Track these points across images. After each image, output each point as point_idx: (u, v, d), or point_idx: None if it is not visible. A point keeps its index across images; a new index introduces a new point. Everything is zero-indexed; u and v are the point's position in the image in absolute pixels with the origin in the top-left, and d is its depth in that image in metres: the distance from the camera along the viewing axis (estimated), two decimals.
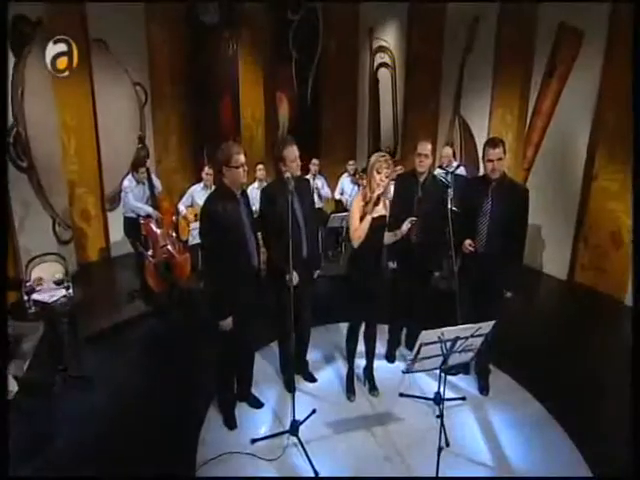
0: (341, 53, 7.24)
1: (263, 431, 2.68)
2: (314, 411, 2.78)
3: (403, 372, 2.09)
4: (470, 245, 2.80)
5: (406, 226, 2.60)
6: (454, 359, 2.02)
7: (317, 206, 5.73)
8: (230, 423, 2.71)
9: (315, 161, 5.74)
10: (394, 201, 3.09)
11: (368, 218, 2.54)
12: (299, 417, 2.65)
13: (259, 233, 2.68)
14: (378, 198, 2.53)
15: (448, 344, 1.90)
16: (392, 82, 7.22)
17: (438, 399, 2.73)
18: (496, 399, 2.99)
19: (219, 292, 2.41)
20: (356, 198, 2.68)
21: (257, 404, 2.90)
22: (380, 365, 3.27)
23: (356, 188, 5.76)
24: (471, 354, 2.06)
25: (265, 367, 3.31)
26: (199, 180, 4.95)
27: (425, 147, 2.96)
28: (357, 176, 5.75)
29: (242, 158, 2.36)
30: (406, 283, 3.15)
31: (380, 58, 7.25)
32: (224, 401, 2.79)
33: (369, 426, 2.71)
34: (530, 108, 5.52)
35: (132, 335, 3.99)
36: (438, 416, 2.23)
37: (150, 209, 4.34)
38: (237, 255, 2.41)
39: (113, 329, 4.04)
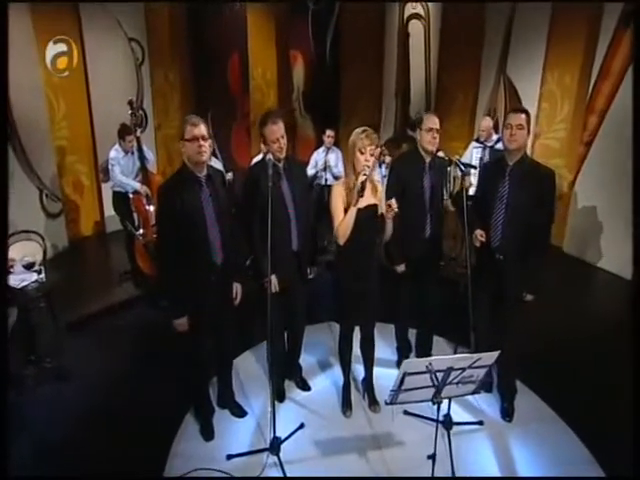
0: (365, 3, 6.75)
1: (244, 445, 2.55)
2: (302, 426, 2.64)
3: (386, 403, 1.88)
4: (481, 236, 2.54)
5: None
6: (450, 392, 1.83)
7: (331, 183, 5.45)
8: (206, 433, 2.61)
9: (329, 132, 5.35)
10: (393, 189, 2.77)
11: (353, 210, 2.27)
12: (287, 430, 2.55)
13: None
14: (364, 184, 2.22)
15: (440, 375, 1.72)
16: (425, 37, 6.74)
17: (447, 422, 2.48)
18: (522, 427, 2.67)
19: (170, 288, 2.28)
20: (337, 185, 2.40)
21: (239, 413, 2.77)
22: (391, 374, 3.03)
23: (377, 168, 5.35)
24: (472, 386, 1.86)
25: (254, 369, 3.16)
26: None
27: (435, 120, 2.69)
28: (379, 150, 5.31)
29: (198, 130, 2.11)
30: (411, 281, 2.91)
31: (412, 8, 6.76)
32: (199, 409, 2.68)
33: (364, 448, 2.53)
34: (596, 68, 4.86)
35: (118, 323, 3.93)
36: (429, 457, 1.99)
37: (137, 185, 4.17)
38: (193, 250, 2.23)
39: (99, 315, 3.99)
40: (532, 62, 5.49)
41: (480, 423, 2.68)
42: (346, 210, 2.32)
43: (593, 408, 2.79)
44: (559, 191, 5.32)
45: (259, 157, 4.93)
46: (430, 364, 1.68)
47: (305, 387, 2.99)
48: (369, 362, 2.77)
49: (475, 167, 4.64)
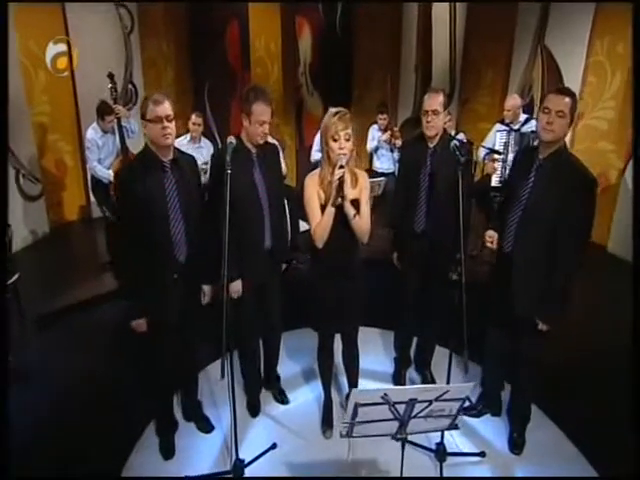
0: None
1: (207, 464, 2.45)
2: (274, 446, 2.49)
3: (341, 436, 1.76)
4: (490, 237, 2.33)
5: None
6: (417, 426, 1.69)
7: None
8: (165, 451, 2.51)
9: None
10: (400, 178, 2.74)
11: (331, 211, 2.09)
12: (257, 450, 2.42)
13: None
14: (342, 181, 2.02)
15: (401, 407, 1.59)
16: (450, 3, 6.41)
17: (440, 452, 2.29)
18: (533, 462, 2.43)
19: (128, 285, 2.23)
20: (310, 177, 2.21)
21: (206, 428, 2.67)
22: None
23: (388, 153, 5.12)
24: (446, 421, 1.70)
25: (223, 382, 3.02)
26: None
27: (434, 100, 2.47)
28: (390, 133, 5.06)
29: (162, 109, 2.02)
30: (412, 282, 2.76)
31: None
32: (160, 423, 2.58)
33: (343, 475, 2.37)
34: None
35: (93, 318, 3.86)
36: None
37: (111, 176, 4.09)
38: (154, 245, 2.15)
39: (73, 309, 3.92)
40: (576, 29, 5.13)
41: (481, 455, 2.45)
42: (322, 207, 2.14)
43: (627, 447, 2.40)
44: (606, 181, 4.99)
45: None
46: (386, 395, 1.54)
47: (283, 400, 2.85)
48: (353, 375, 2.62)
49: (500, 152, 4.38)
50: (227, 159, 2.05)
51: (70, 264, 4.87)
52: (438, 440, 2.32)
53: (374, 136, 5.29)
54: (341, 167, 2.00)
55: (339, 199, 2.04)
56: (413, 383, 3.01)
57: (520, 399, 2.55)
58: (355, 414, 1.58)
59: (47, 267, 4.73)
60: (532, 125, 4.39)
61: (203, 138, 4.72)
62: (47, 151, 5.39)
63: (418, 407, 1.60)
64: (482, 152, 4.54)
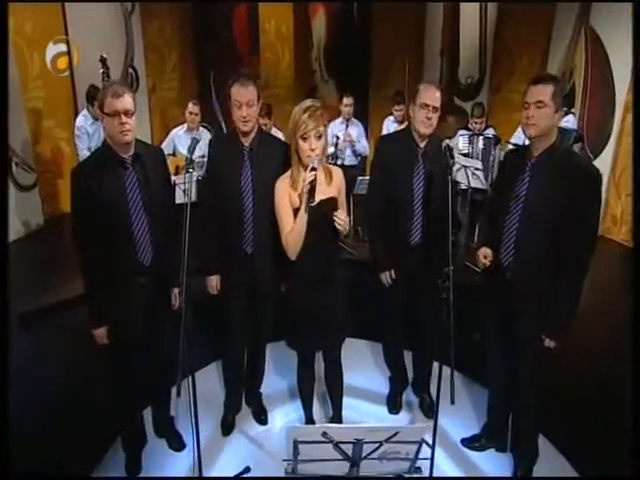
0: None
1: None
2: (247, 469, 2.43)
3: (286, 473, 1.68)
4: (485, 257, 2.17)
5: None
6: (372, 468, 1.62)
7: (352, 164, 5.13)
8: (131, 468, 2.46)
9: (347, 101, 5.05)
10: (379, 182, 2.53)
11: (303, 217, 2.00)
12: (228, 473, 2.40)
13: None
14: (313, 185, 1.93)
15: (348, 447, 1.54)
16: None
17: None
18: None
19: (89, 291, 2.18)
20: (282, 180, 2.12)
21: (177, 445, 2.60)
22: (380, 413, 2.80)
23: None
24: (405, 464, 1.63)
25: (209, 389, 2.94)
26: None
27: (434, 94, 2.32)
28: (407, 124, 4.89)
29: (121, 103, 1.95)
30: (400, 292, 2.63)
31: None
32: (125, 438, 2.51)
33: None
34: None
35: (79, 316, 3.85)
36: None
37: None
38: (115, 247, 2.12)
39: (60, 307, 3.95)
40: (627, 6, 4.78)
41: None
42: (296, 212, 2.05)
43: None
44: None
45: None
46: (326, 433, 1.49)
47: (262, 420, 2.77)
48: (336, 395, 2.52)
49: None
50: (189, 156, 1.99)
51: (63, 257, 4.90)
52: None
53: (389, 129, 5.15)
54: (313, 169, 1.91)
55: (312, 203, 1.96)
56: (410, 407, 2.88)
57: (524, 434, 2.37)
58: (296, 451, 1.52)
59: (38, 261, 4.77)
60: (569, 120, 4.14)
61: (202, 129, 4.66)
62: (42, 138, 5.46)
63: (368, 448, 1.53)
64: None
